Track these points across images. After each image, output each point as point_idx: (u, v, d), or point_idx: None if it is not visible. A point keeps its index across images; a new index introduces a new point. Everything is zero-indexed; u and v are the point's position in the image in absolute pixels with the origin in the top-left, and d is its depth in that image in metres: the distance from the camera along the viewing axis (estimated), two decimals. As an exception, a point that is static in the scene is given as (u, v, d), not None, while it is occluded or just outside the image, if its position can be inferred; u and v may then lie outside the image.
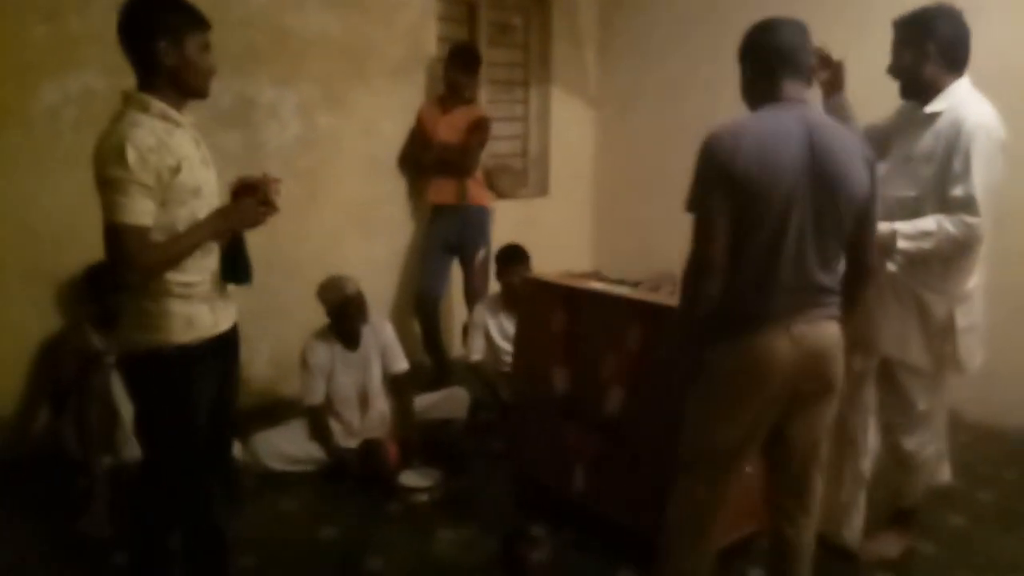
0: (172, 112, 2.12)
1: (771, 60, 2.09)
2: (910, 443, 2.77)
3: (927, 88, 2.56)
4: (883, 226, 2.45)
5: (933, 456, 2.83)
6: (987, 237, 3.66)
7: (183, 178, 2.08)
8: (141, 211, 2.01)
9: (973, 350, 2.68)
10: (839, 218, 2.06)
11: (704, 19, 5.18)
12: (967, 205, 2.44)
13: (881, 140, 2.67)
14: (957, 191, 2.45)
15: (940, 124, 2.52)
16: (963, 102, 2.51)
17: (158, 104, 2.09)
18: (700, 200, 2.01)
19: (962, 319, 2.62)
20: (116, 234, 2.01)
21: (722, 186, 1.96)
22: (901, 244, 2.48)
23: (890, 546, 2.92)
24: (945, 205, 2.48)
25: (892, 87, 2.68)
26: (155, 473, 2.26)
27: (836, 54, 2.67)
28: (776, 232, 1.99)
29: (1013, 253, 4.02)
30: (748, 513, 2.65)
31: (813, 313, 2.08)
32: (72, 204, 3.62)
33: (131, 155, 1.97)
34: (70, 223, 3.63)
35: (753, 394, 2.06)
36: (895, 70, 2.62)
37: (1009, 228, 3.97)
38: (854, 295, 2.21)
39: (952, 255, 2.52)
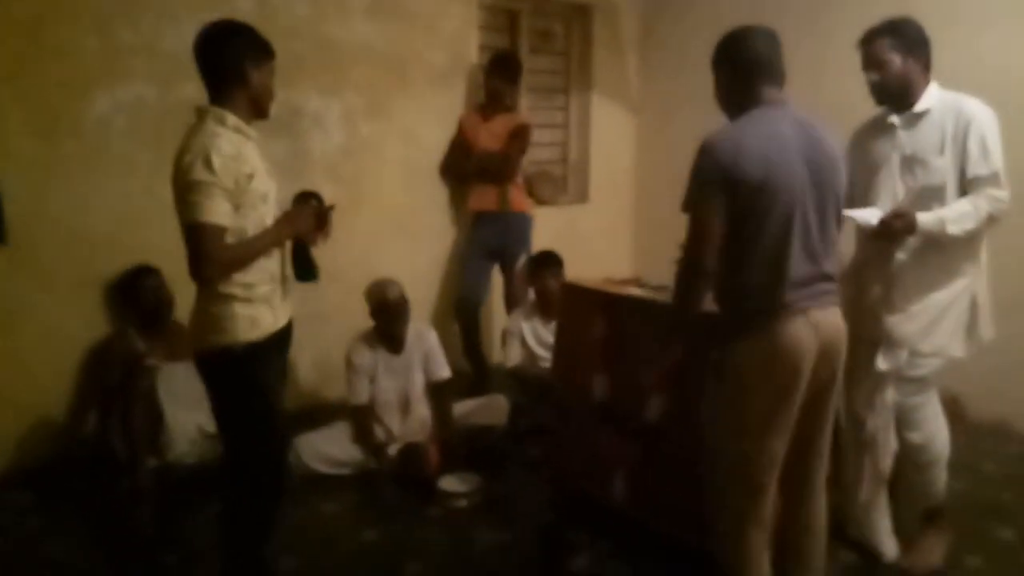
0: (244, 126, 2.32)
1: (749, 67, 2.18)
2: (918, 437, 2.80)
3: (911, 92, 2.71)
4: (928, 216, 2.59)
5: (944, 449, 2.84)
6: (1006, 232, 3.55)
7: (255, 185, 2.28)
8: (221, 212, 2.19)
9: (990, 323, 2.78)
10: (837, 205, 2.19)
11: (746, 26, 5.14)
12: (993, 180, 2.61)
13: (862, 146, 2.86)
14: (982, 170, 2.61)
15: (935, 118, 2.68)
16: (950, 96, 2.70)
17: (233, 118, 2.29)
18: (698, 202, 2.09)
19: (981, 295, 2.75)
20: (198, 232, 2.19)
21: (723, 190, 2.04)
22: (951, 229, 2.58)
23: (932, 553, 2.89)
24: (969, 185, 2.63)
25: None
26: (240, 468, 2.44)
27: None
28: (784, 229, 2.07)
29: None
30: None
31: (823, 300, 2.17)
32: (120, 211, 3.73)
33: (216, 162, 2.17)
34: (118, 230, 3.73)
35: (781, 383, 2.10)
36: (885, 81, 2.71)
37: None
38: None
39: (983, 231, 2.65)
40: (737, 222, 2.07)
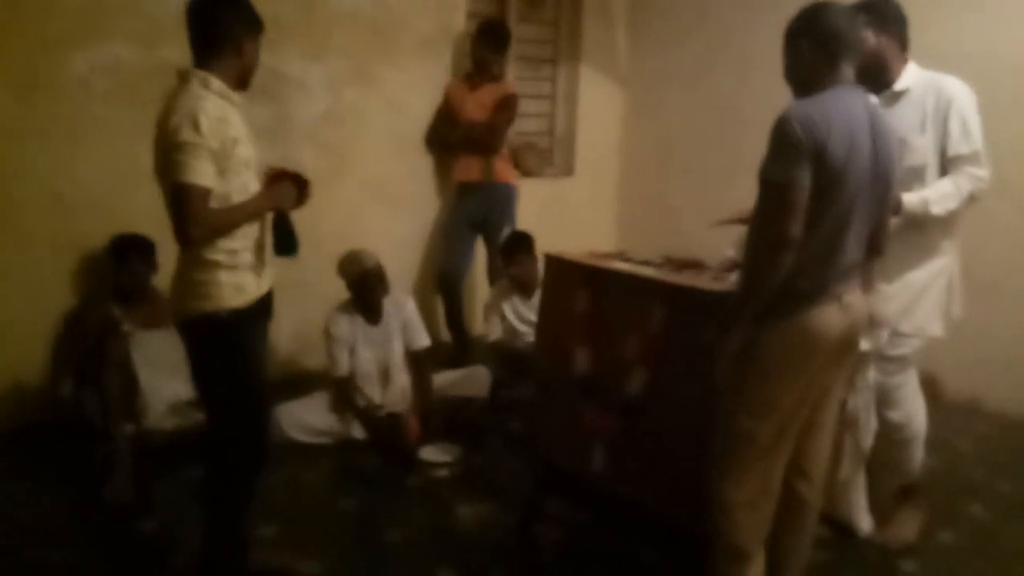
0: (229, 91, 2.30)
1: (833, 43, 2.11)
2: (898, 415, 2.83)
3: (887, 70, 2.69)
4: (912, 197, 2.59)
5: (922, 428, 2.87)
6: (1018, 227, 3.68)
7: (240, 150, 2.26)
8: (207, 174, 2.17)
9: (961, 302, 2.81)
10: (886, 199, 2.21)
11: (737, 2, 5.11)
12: (974, 159, 2.62)
13: None
14: (963, 149, 2.61)
15: (915, 97, 2.67)
16: (929, 75, 2.69)
17: (217, 83, 2.26)
18: (786, 172, 2.00)
19: (956, 274, 2.77)
20: (183, 192, 2.15)
21: (811, 162, 1.99)
22: (934, 210, 2.60)
23: (907, 528, 2.94)
24: (950, 164, 2.64)
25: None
26: (222, 437, 2.43)
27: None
28: (846, 212, 2.06)
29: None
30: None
31: (854, 283, 2.19)
32: (100, 174, 3.67)
33: (203, 123, 2.14)
34: (97, 193, 3.68)
35: (811, 366, 2.12)
36: (861, 57, 2.64)
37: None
38: (869, 274, 2.31)
39: (962, 210, 2.65)
40: (809, 201, 2.02)
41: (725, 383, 2.19)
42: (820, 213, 2.03)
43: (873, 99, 2.68)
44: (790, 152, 2.00)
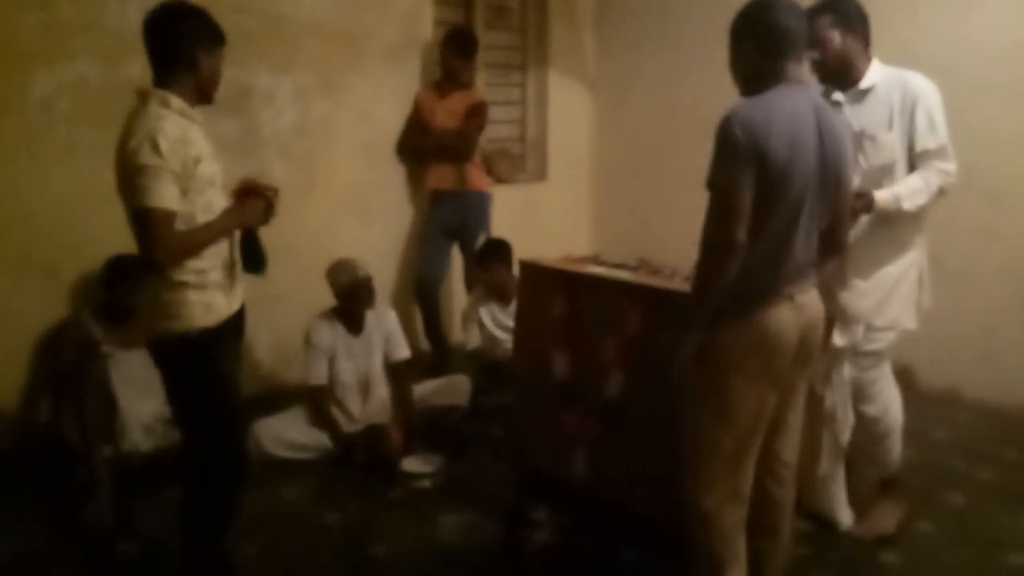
0: (189, 109, 2.27)
1: (777, 41, 2.08)
2: (874, 409, 2.86)
3: (853, 69, 2.71)
4: (884, 193, 2.62)
5: (898, 420, 2.90)
6: (988, 218, 3.72)
7: (202, 169, 2.24)
8: (170, 196, 2.15)
9: (930, 293, 2.85)
10: (837, 197, 2.17)
11: (703, 2, 5.15)
12: (942, 153, 2.66)
13: None
14: (930, 144, 2.65)
15: (881, 94, 2.70)
16: (893, 71, 2.72)
17: (177, 101, 2.24)
18: (728, 176, 2.00)
19: (925, 266, 2.82)
20: (147, 217, 2.14)
21: (753, 164, 1.97)
22: (905, 205, 2.63)
23: (885, 520, 2.96)
24: (918, 159, 2.67)
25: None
26: (199, 456, 2.42)
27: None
28: (793, 212, 2.05)
29: (1014, 234, 4.03)
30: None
31: (807, 283, 2.17)
32: (66, 194, 3.63)
33: (163, 145, 2.12)
34: (64, 213, 3.62)
35: (765, 368, 2.10)
36: (826, 59, 2.69)
37: (1010, 209, 4.01)
38: (842, 271, 2.34)
39: (931, 204, 2.69)
40: (753, 203, 2.01)
41: (683, 386, 2.18)
42: (766, 214, 2.01)
43: (839, 96, 2.73)
44: (730, 155, 1.99)
